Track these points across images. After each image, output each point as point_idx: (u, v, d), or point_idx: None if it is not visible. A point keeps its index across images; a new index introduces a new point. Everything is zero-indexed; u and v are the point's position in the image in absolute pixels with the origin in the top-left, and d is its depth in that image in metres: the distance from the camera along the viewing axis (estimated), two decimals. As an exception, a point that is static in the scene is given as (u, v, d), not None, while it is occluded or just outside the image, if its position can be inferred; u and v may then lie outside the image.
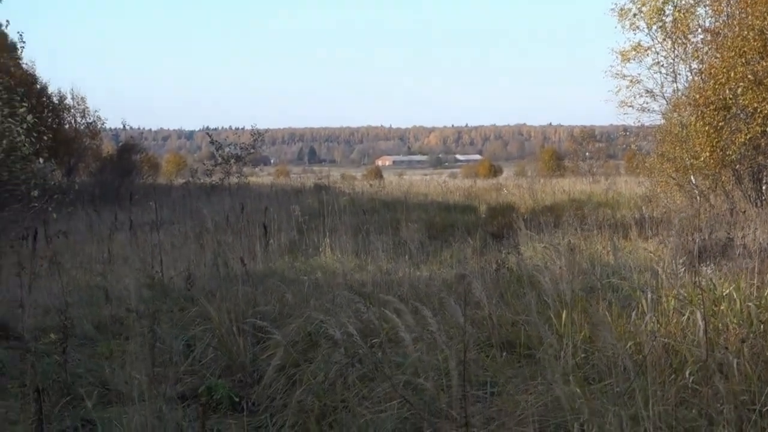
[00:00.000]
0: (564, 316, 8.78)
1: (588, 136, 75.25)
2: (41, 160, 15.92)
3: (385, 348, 7.98)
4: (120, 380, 8.05)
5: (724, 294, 9.29)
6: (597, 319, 8.10)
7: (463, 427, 6.29)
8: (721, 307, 8.89)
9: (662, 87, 24.31)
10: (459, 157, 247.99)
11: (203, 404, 7.07)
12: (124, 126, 51.63)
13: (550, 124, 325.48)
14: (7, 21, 54.14)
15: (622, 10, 24.47)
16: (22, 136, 14.90)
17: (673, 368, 7.26)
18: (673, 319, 8.56)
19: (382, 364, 7.43)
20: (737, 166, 20.01)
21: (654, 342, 7.20)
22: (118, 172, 45.25)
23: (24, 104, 15.11)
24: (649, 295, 8.62)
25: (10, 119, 14.71)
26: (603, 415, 6.20)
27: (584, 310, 9.03)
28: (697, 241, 13.34)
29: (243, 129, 39.49)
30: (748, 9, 19.37)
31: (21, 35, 38.59)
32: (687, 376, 6.97)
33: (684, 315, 8.53)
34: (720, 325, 8.27)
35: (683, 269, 10.98)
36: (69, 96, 50.44)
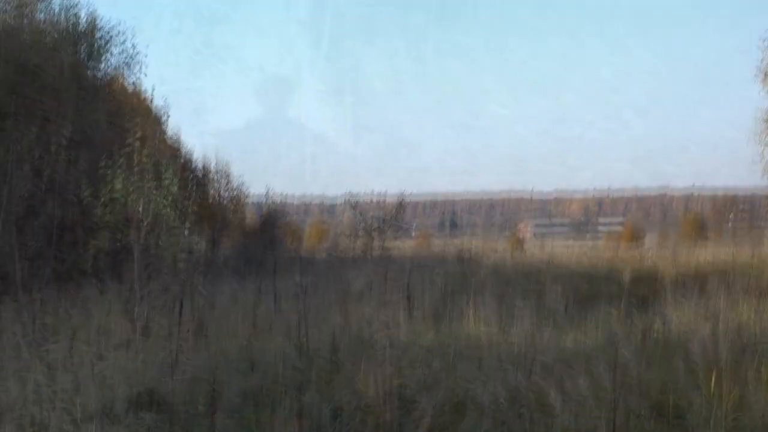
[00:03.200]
0: (713, 380, 8.66)
1: (730, 203, 74.09)
2: (186, 231, 16.26)
3: (533, 413, 7.95)
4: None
5: None
6: (747, 384, 8.00)
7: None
8: None
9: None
10: (601, 222, 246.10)
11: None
12: (267, 195, 52.19)
13: (693, 185, 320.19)
14: (153, 87, 54.86)
15: (766, 75, 24.11)
16: (168, 208, 15.24)
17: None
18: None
19: (531, 430, 7.41)
20: None
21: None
22: (261, 243, 45.84)
23: (168, 176, 15.47)
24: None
25: (155, 191, 15.06)
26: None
27: (733, 374, 8.89)
28: None
29: (384, 198, 39.89)
30: None
31: (166, 101, 39.28)
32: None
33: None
34: None
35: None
36: (212, 166, 51.37)
